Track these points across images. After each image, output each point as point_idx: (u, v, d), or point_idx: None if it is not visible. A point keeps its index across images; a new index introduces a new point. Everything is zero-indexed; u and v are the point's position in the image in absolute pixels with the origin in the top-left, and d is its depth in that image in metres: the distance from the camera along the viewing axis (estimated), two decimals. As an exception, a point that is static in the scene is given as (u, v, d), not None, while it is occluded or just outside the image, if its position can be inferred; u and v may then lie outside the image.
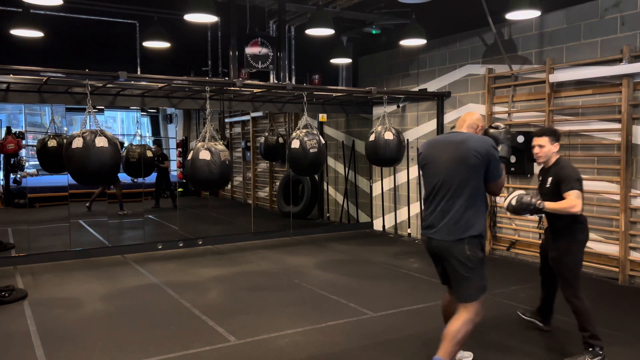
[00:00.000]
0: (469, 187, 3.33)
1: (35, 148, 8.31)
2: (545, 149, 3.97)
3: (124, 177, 10.23)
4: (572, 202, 3.70)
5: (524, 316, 4.59)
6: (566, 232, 3.88)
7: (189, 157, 6.09)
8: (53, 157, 7.49)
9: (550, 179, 3.92)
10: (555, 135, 4.01)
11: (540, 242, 6.76)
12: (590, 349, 3.78)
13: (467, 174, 3.33)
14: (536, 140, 4.01)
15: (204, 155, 5.95)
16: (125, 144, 10.17)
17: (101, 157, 5.52)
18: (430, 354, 4.03)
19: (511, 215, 7.22)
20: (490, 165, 3.36)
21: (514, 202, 3.79)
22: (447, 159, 3.40)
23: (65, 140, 6.07)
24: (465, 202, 3.33)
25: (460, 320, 3.35)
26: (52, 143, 7.66)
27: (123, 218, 10.44)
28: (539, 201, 3.75)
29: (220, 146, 6.13)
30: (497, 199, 7.28)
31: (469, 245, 3.31)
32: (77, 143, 5.46)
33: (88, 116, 5.69)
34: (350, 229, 9.63)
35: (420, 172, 3.59)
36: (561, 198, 3.78)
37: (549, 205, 3.76)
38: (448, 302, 3.71)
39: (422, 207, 3.73)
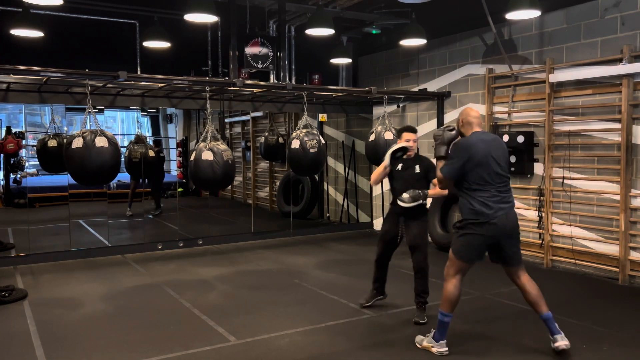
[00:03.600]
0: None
1: (35, 148, 8.31)
2: (416, 143, 4.84)
3: (124, 177, 10.26)
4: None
5: (367, 304, 5.09)
6: (422, 213, 4.80)
7: (192, 157, 6.08)
8: (53, 157, 7.49)
9: (417, 167, 4.75)
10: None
11: (540, 242, 6.80)
12: (424, 306, 4.77)
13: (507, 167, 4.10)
14: (412, 136, 4.79)
15: (207, 155, 5.95)
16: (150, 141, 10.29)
17: (101, 157, 5.52)
18: (431, 354, 4.03)
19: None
20: None
21: (409, 194, 4.62)
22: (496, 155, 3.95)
23: (65, 140, 6.07)
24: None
25: (532, 279, 4.05)
26: (52, 143, 7.66)
27: (129, 218, 10.46)
28: (425, 191, 4.68)
29: (222, 146, 6.13)
30: None
31: None
32: (77, 143, 5.47)
33: (88, 116, 5.69)
34: (350, 229, 9.63)
35: (477, 169, 3.90)
36: (426, 182, 4.72)
37: (431, 192, 4.70)
38: (514, 279, 4.09)
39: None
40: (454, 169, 3.92)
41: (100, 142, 5.51)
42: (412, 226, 4.78)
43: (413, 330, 4.52)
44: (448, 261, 4.06)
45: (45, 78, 6.02)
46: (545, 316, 3.90)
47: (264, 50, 7.61)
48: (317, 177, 10.54)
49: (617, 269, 5.99)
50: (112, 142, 5.63)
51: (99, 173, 5.62)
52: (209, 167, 5.95)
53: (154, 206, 10.79)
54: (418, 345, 4.14)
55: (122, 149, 9.40)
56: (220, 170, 5.99)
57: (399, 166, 4.80)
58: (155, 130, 14.18)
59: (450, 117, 8.07)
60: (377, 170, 4.74)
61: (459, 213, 4.08)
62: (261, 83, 7.29)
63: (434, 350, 3.99)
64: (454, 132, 4.14)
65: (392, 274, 6.47)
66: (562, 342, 3.87)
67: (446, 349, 3.98)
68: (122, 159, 9.58)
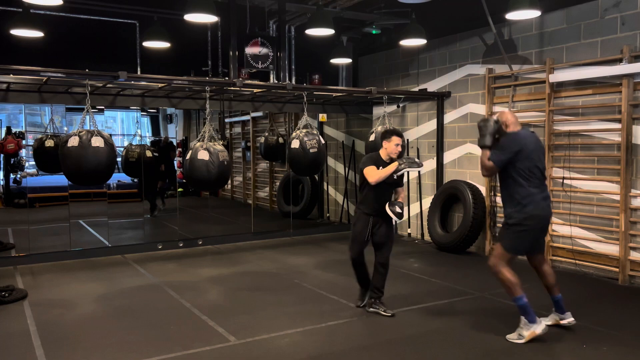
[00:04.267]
0: None
1: (32, 148, 8.31)
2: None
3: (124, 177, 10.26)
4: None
5: (362, 305, 5.09)
6: (385, 212, 4.85)
7: (188, 156, 6.09)
8: (50, 156, 7.48)
9: (395, 175, 4.81)
10: None
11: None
12: (380, 300, 4.95)
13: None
14: (401, 140, 4.84)
15: (203, 155, 5.95)
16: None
17: (97, 157, 5.50)
18: (431, 354, 4.04)
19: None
20: None
21: (400, 208, 4.84)
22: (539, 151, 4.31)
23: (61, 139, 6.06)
24: None
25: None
26: (49, 143, 7.65)
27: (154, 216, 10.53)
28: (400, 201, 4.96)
29: (219, 146, 6.13)
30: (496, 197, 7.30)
31: None
32: (73, 142, 5.46)
33: (87, 116, 5.68)
34: (350, 229, 9.60)
35: (524, 161, 4.18)
36: (395, 187, 4.93)
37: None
38: (536, 265, 4.53)
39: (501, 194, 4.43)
40: (503, 159, 4.18)
41: (97, 142, 5.50)
42: (381, 225, 4.93)
43: (413, 330, 4.52)
44: (495, 256, 4.31)
45: (45, 78, 6.02)
46: (557, 298, 4.44)
47: (264, 50, 7.61)
48: (317, 177, 10.54)
49: (617, 269, 5.99)
50: (108, 142, 5.62)
51: (94, 173, 5.60)
52: (204, 167, 5.94)
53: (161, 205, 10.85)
54: (521, 342, 4.15)
55: (120, 149, 9.48)
56: (215, 170, 5.99)
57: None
58: (155, 131, 14.17)
59: (450, 117, 8.07)
60: (381, 174, 4.73)
61: (505, 204, 4.30)
62: (261, 83, 7.29)
63: (539, 331, 4.14)
64: (498, 123, 4.34)
65: (392, 274, 6.47)
66: (570, 319, 4.43)
67: (543, 323, 4.20)
68: (121, 159, 9.60)
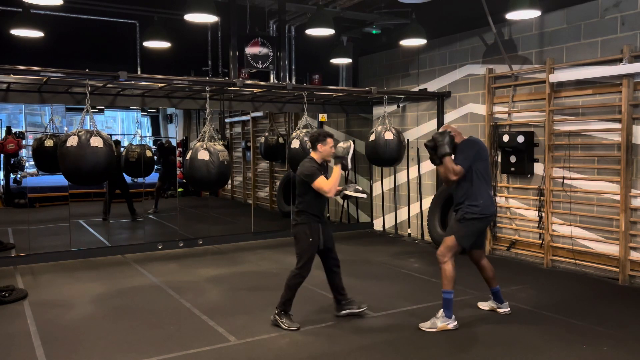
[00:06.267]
0: None
1: (32, 147, 8.31)
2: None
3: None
4: None
5: (342, 313, 4.86)
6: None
7: (188, 156, 6.09)
8: (49, 156, 7.48)
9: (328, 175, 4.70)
10: None
11: (540, 242, 6.79)
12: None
13: None
14: (333, 142, 4.71)
15: (203, 155, 5.95)
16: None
17: (95, 157, 5.49)
18: (431, 354, 4.04)
19: (511, 215, 7.22)
20: None
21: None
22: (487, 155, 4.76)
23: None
24: None
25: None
26: (48, 143, 7.65)
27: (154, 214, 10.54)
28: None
29: (219, 146, 6.13)
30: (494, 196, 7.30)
31: None
32: (72, 141, 5.45)
33: (86, 116, 5.68)
34: (350, 229, 9.63)
35: (480, 163, 4.63)
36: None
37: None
38: (477, 260, 4.86)
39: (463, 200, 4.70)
40: (468, 161, 4.58)
41: (95, 142, 5.49)
42: (327, 229, 4.76)
43: (413, 330, 4.52)
44: (446, 248, 4.58)
45: (46, 78, 6.02)
46: (496, 289, 4.88)
47: (264, 50, 7.61)
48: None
49: (617, 269, 5.99)
50: (107, 142, 5.61)
51: (92, 173, 5.59)
52: (204, 167, 5.94)
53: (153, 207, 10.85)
54: (432, 330, 4.40)
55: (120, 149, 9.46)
56: (215, 170, 5.98)
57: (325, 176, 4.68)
58: (156, 131, 14.19)
59: (450, 117, 8.07)
60: (335, 183, 4.51)
61: (464, 201, 4.61)
62: (261, 83, 7.29)
63: (451, 326, 4.45)
64: (451, 134, 4.73)
65: (392, 274, 6.48)
66: (507, 308, 4.90)
67: (456, 322, 4.50)
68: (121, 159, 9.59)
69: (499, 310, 4.91)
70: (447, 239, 4.62)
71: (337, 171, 4.56)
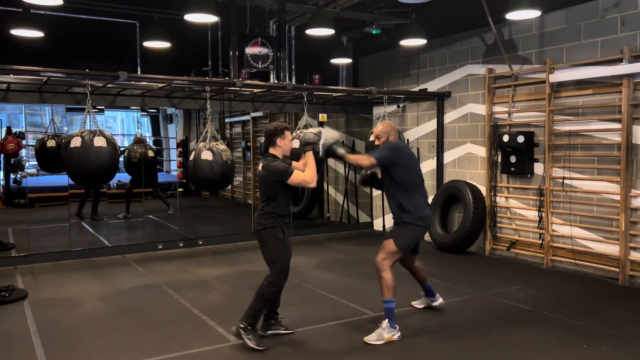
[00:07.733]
0: None
1: (34, 148, 8.31)
2: None
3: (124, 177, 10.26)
4: None
5: (267, 332, 4.40)
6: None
7: (191, 157, 6.09)
8: (52, 157, 7.48)
9: None
10: None
11: (540, 242, 6.79)
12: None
13: None
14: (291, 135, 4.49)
15: (206, 155, 5.95)
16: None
17: (99, 157, 5.50)
18: (430, 354, 4.04)
19: (511, 215, 7.22)
20: None
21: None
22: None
23: (63, 140, 6.06)
24: None
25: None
26: (51, 143, 7.66)
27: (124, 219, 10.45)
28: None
29: (222, 146, 6.14)
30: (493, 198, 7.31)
31: None
32: (76, 142, 5.46)
33: (87, 116, 5.68)
34: (350, 229, 9.63)
35: (398, 167, 4.47)
36: None
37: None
38: (411, 264, 4.93)
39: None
40: (384, 158, 4.42)
41: (99, 142, 5.50)
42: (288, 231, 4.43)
43: (412, 330, 4.52)
44: (386, 254, 4.42)
45: (46, 78, 6.02)
46: (428, 285, 4.99)
47: (264, 50, 7.61)
48: (317, 177, 10.51)
49: (617, 269, 5.98)
50: (110, 142, 5.62)
51: (98, 173, 5.60)
52: (208, 167, 5.95)
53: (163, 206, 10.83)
54: (379, 342, 4.21)
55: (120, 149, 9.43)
56: (220, 170, 5.99)
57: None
58: (156, 131, 14.19)
59: (450, 117, 8.08)
60: (314, 170, 4.24)
61: (404, 206, 4.46)
62: (261, 83, 7.29)
63: (396, 337, 4.28)
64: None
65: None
66: (440, 300, 5.00)
67: (399, 332, 4.34)
68: (123, 159, 9.61)
69: (433, 304, 4.99)
70: (388, 244, 4.43)
71: (310, 157, 4.25)
